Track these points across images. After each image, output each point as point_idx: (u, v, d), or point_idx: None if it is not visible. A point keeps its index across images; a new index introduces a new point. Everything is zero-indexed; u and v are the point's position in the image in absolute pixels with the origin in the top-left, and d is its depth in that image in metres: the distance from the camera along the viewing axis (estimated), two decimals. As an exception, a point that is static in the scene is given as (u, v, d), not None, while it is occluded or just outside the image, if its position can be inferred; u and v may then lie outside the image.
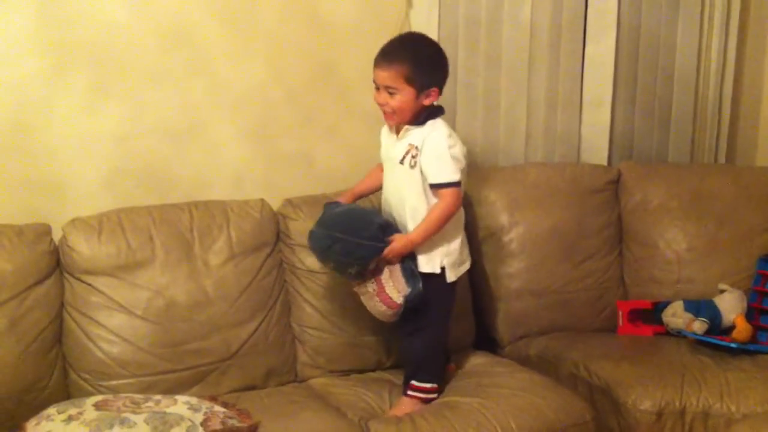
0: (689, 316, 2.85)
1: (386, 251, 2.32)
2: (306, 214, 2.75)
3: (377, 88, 2.39)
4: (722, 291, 2.93)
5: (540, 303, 2.98)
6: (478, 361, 2.72)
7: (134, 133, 2.74)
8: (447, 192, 2.37)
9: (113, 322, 2.45)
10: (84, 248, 2.46)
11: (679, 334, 2.85)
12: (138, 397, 2.24)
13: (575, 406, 2.40)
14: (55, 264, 2.48)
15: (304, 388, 2.62)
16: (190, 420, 2.10)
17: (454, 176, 2.37)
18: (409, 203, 2.42)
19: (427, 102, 2.39)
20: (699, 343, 2.75)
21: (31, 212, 2.58)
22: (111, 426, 2.03)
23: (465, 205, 3.01)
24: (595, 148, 3.40)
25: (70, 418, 2.08)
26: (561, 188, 3.10)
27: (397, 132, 2.46)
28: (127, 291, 2.47)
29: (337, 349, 2.69)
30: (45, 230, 2.48)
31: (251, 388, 2.56)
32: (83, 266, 2.46)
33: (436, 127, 2.40)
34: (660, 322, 2.94)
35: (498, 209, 3.03)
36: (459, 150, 2.41)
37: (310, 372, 2.68)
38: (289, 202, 2.81)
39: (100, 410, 2.11)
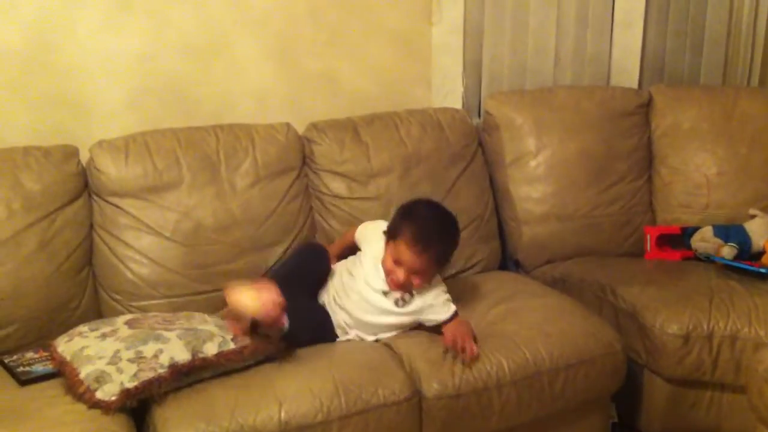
0: (718, 241, 2.83)
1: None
2: (331, 139, 2.74)
3: (396, 263, 2.27)
4: (752, 216, 2.89)
5: (566, 227, 2.96)
6: (507, 282, 2.71)
7: (157, 51, 2.71)
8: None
9: (142, 243, 2.46)
10: (111, 170, 2.46)
11: (707, 260, 2.83)
12: (168, 315, 2.28)
13: (606, 335, 2.38)
14: (83, 185, 2.48)
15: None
16: (221, 336, 2.13)
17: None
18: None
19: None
20: (728, 269, 2.73)
21: (55, 132, 2.59)
22: (146, 342, 2.06)
23: (491, 129, 3.01)
24: (626, 70, 3.34)
25: (104, 336, 2.11)
26: (590, 111, 3.05)
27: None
28: (154, 212, 2.48)
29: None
30: (72, 151, 2.48)
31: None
32: (111, 188, 2.47)
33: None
34: (688, 247, 2.92)
35: (525, 133, 2.99)
36: None
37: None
38: (314, 126, 2.79)
39: (132, 328, 2.15)
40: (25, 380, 2.08)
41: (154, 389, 1.99)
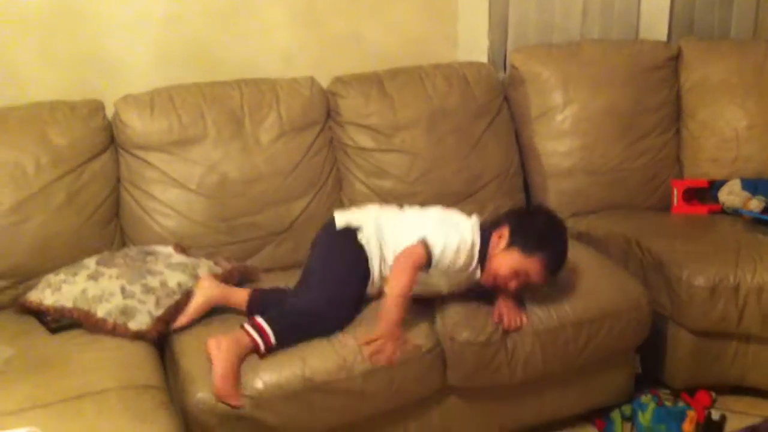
0: (746, 194, 2.79)
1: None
2: (356, 92, 2.74)
3: (516, 275, 2.14)
4: (781, 169, 2.86)
5: (593, 181, 2.94)
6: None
7: (183, 10, 2.71)
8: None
9: (168, 196, 2.49)
10: (137, 124, 2.49)
11: (735, 213, 2.80)
12: (126, 253, 2.35)
13: (632, 289, 2.38)
14: (110, 139, 2.51)
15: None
16: (205, 264, 2.33)
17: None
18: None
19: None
20: (755, 222, 2.70)
21: (82, 89, 2.60)
22: (143, 276, 2.17)
23: (517, 83, 2.99)
24: (655, 24, 3.28)
25: (93, 277, 2.18)
26: (618, 65, 3.01)
27: None
28: (180, 166, 2.50)
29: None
30: (98, 106, 2.51)
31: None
32: (136, 141, 2.49)
33: None
34: (716, 200, 2.89)
35: (551, 87, 2.96)
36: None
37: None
38: (338, 79, 2.79)
39: (108, 267, 2.21)
40: (55, 328, 2.13)
41: (176, 314, 2.15)
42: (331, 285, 2.18)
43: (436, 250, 2.11)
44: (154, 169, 2.49)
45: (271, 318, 2.05)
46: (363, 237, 2.24)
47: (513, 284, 2.15)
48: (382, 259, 2.23)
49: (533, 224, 2.22)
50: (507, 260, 2.15)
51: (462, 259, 2.15)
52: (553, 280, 2.25)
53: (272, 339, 2.02)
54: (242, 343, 2.00)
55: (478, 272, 2.21)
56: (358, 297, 2.21)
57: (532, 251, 2.14)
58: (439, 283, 2.22)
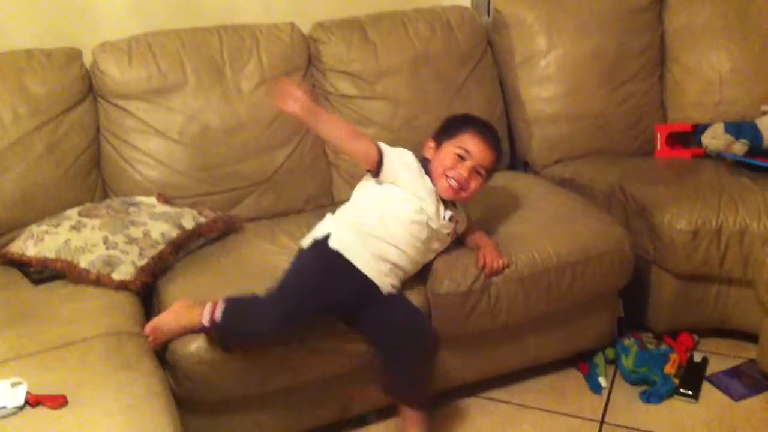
0: (729, 137, 2.79)
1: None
2: (338, 38, 2.70)
3: (459, 159, 2.15)
4: (765, 112, 2.84)
5: (576, 127, 2.93)
6: (517, 182, 2.69)
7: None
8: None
9: (149, 145, 2.47)
10: (115, 72, 2.45)
11: (718, 157, 2.80)
12: (108, 203, 2.33)
13: (614, 232, 2.38)
14: (88, 88, 2.47)
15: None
16: (189, 213, 2.32)
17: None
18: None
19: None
20: (738, 165, 2.71)
21: (57, 36, 2.55)
22: (126, 227, 2.17)
23: (501, 27, 2.95)
24: (639, -35, 3.23)
25: (75, 228, 2.16)
26: (602, 9, 2.97)
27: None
28: (161, 115, 2.47)
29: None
30: (75, 54, 2.46)
31: (292, 212, 2.59)
32: (115, 90, 2.45)
33: None
34: (699, 144, 2.89)
35: (535, 31, 2.93)
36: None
37: (346, 196, 2.67)
38: (319, 25, 2.75)
39: (91, 218, 2.19)
40: (37, 279, 2.12)
41: (160, 265, 2.16)
42: (289, 287, 2.03)
43: (382, 145, 2.14)
44: (134, 118, 2.46)
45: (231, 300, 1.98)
46: (334, 241, 2.10)
47: (465, 171, 2.14)
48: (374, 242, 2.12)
49: (443, 121, 2.29)
50: (443, 151, 2.19)
51: (411, 165, 2.16)
52: (500, 158, 2.26)
53: (218, 315, 1.93)
54: (194, 314, 1.95)
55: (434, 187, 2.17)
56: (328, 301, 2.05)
57: (457, 131, 2.20)
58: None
